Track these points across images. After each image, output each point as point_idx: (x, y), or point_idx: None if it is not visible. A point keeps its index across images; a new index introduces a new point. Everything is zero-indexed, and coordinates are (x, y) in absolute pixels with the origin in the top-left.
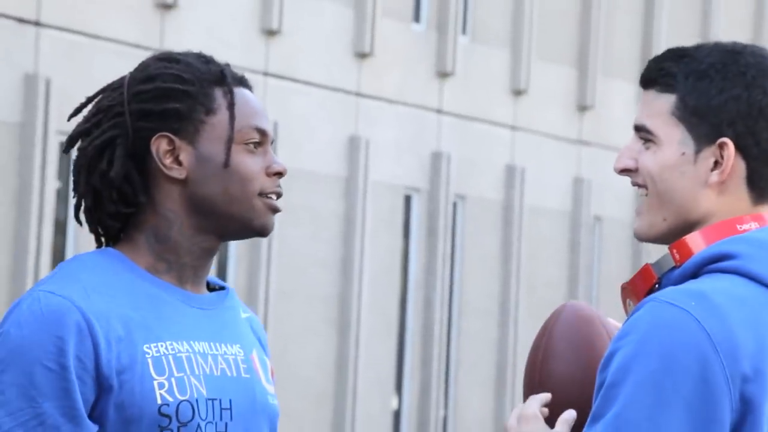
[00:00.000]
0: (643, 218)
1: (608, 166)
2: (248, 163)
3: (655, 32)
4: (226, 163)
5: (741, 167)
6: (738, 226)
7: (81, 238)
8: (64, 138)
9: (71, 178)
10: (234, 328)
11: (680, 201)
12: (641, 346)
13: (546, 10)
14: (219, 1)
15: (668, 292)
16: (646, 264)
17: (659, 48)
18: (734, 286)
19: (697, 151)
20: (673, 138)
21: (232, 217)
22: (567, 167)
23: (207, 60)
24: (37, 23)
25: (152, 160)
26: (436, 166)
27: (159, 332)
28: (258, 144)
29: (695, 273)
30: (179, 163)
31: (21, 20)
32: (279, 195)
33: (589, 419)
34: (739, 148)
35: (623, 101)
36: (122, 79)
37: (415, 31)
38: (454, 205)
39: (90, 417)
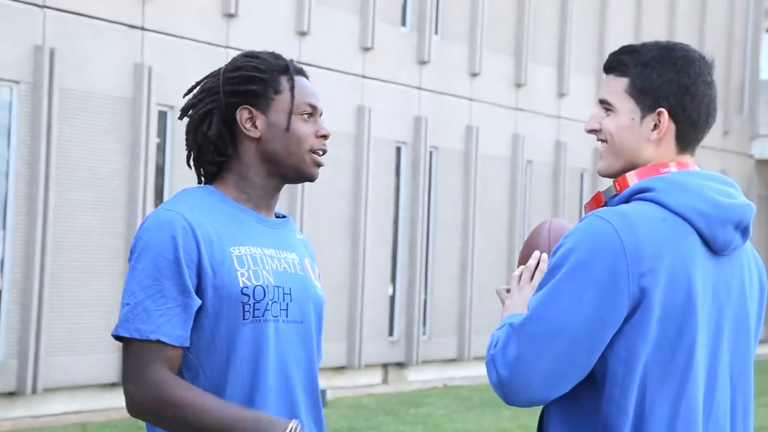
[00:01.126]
0: (604, 162)
1: (536, 125)
2: (303, 128)
3: (568, 30)
4: (287, 128)
5: (672, 128)
6: (661, 169)
7: (174, 178)
8: (162, 108)
9: (168, 138)
10: (292, 242)
11: (629, 151)
12: (577, 243)
13: (494, 7)
14: (266, 10)
15: (603, 210)
16: (598, 191)
17: (572, 40)
18: (648, 209)
19: (642, 117)
20: (626, 108)
21: (290, 167)
22: (508, 127)
23: (277, 56)
24: (142, 28)
25: (237, 125)
26: (417, 127)
27: (240, 239)
28: (310, 115)
29: (627, 199)
30: (255, 127)
31: (131, 26)
32: (324, 152)
33: (536, 288)
34: (671, 115)
35: (546, 80)
36: (219, 69)
37: (402, 32)
38: (430, 154)
39: (195, 293)
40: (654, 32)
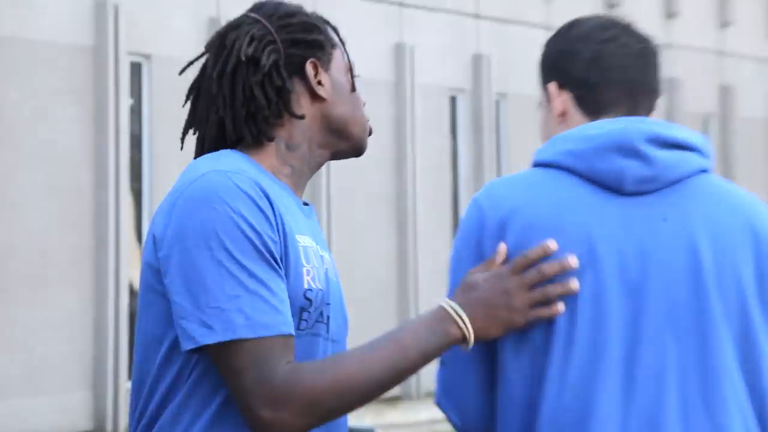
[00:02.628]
0: None
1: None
2: (359, 90)
3: None
4: (353, 88)
5: (568, 98)
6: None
7: (156, 150)
8: (134, 59)
9: (145, 97)
10: (323, 237)
11: (547, 138)
12: (456, 237)
13: None
14: None
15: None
16: None
17: None
18: (521, 173)
19: (547, 101)
20: (543, 100)
21: (351, 136)
22: None
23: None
24: None
25: (297, 81)
26: (477, 67)
27: (300, 226)
28: None
29: None
30: (322, 85)
31: None
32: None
33: None
34: (559, 86)
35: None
36: (247, 17)
37: None
38: (497, 103)
39: None
40: None
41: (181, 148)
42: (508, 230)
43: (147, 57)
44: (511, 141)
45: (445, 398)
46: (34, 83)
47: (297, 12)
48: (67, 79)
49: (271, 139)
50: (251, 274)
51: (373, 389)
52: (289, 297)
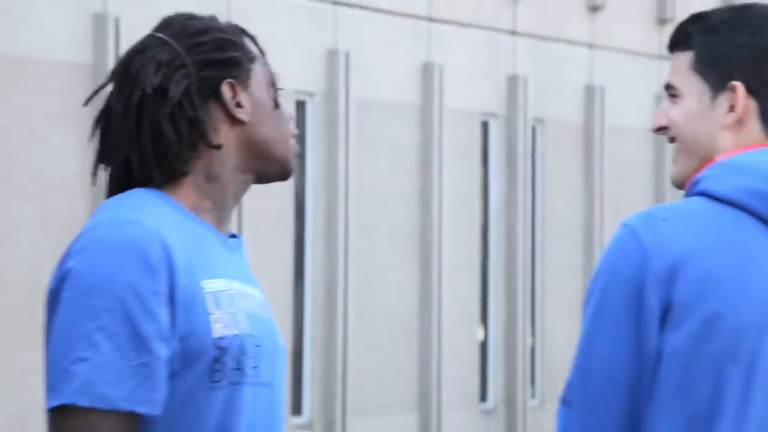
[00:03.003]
0: (676, 166)
1: None
2: (284, 104)
3: None
4: (276, 105)
5: (753, 106)
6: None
7: None
8: None
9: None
10: (250, 273)
11: (704, 144)
12: (599, 266)
13: None
14: None
15: (630, 216)
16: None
17: None
18: (687, 203)
19: (713, 98)
20: (693, 89)
21: (276, 158)
22: (648, 84)
23: (212, 17)
24: None
25: (214, 106)
26: (512, 89)
27: (212, 268)
28: None
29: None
30: (241, 106)
31: None
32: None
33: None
34: (749, 89)
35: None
36: (154, 38)
37: None
38: (533, 129)
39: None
40: None
41: (94, 183)
42: (679, 280)
43: None
44: (547, 171)
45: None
46: (26, 104)
47: (209, 28)
48: (62, 100)
49: (185, 174)
50: (111, 337)
51: None
52: (196, 347)
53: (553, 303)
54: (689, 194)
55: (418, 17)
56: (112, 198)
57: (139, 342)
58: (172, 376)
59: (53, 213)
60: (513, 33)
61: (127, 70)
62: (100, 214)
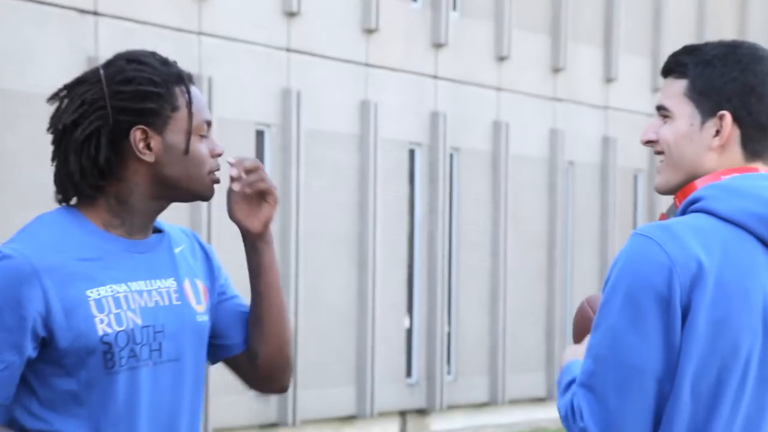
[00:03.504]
0: (662, 176)
1: (579, 118)
2: (201, 149)
3: (616, 1)
4: (186, 151)
5: (736, 134)
6: (722, 176)
7: None
8: None
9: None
10: (167, 264)
11: (689, 162)
12: (623, 269)
13: None
14: None
15: (644, 227)
16: (662, 213)
17: (621, 15)
18: (695, 219)
19: (703, 122)
20: (685, 113)
21: (188, 191)
22: (544, 120)
23: (164, 61)
24: (95, 12)
25: (127, 143)
26: (434, 123)
27: (100, 278)
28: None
29: (683, 213)
30: (150, 149)
31: (82, 11)
32: (218, 169)
33: (593, 328)
34: (735, 118)
35: (590, 63)
36: (97, 74)
37: (413, 9)
38: (451, 156)
39: (47, 348)
40: (723, 0)
41: (56, 199)
42: (699, 287)
43: None
44: (462, 191)
45: (604, 421)
46: (30, 131)
47: (136, 77)
48: None
49: (95, 198)
50: None
51: None
52: (85, 345)
53: (466, 298)
54: (688, 210)
55: (357, 63)
56: (33, 220)
57: (6, 346)
58: (76, 369)
59: None
60: (435, 77)
61: (68, 94)
62: (11, 238)
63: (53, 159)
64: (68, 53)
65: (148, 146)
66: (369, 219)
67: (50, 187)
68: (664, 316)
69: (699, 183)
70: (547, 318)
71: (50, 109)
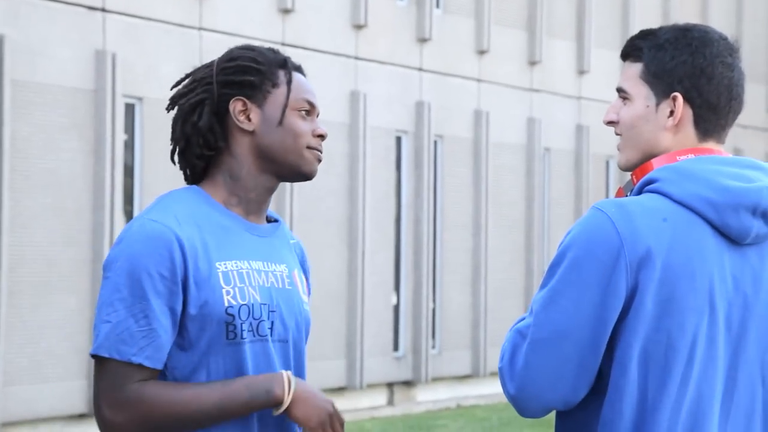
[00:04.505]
0: (622, 155)
1: (554, 107)
2: (299, 123)
3: (587, 0)
4: (280, 122)
5: (689, 114)
6: (677, 157)
7: (145, 179)
8: (128, 100)
9: (137, 134)
10: (282, 251)
11: (646, 141)
12: (574, 238)
13: None
14: None
15: (603, 202)
16: (620, 187)
17: (592, 12)
18: (650, 200)
19: (657, 104)
20: (641, 94)
21: (286, 163)
22: (521, 110)
23: (275, 51)
24: (103, 9)
25: (230, 118)
26: (419, 113)
27: (227, 253)
28: (308, 112)
29: (639, 191)
30: (249, 120)
31: (90, 7)
32: (320, 151)
33: (540, 286)
34: (686, 99)
35: (563, 56)
36: (213, 61)
37: (399, 6)
38: (435, 143)
39: (181, 313)
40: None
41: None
42: (648, 268)
43: (140, 99)
44: (445, 176)
45: (520, 371)
46: (43, 120)
47: (241, 56)
48: (71, 117)
49: (209, 175)
50: (128, 307)
51: (200, 421)
52: (210, 314)
53: (449, 277)
54: (643, 189)
55: (347, 56)
56: (160, 196)
57: (149, 313)
58: (198, 336)
59: (62, 204)
60: (420, 69)
61: (182, 80)
62: (140, 214)
63: (171, 136)
64: (77, 47)
65: (248, 117)
66: (359, 202)
67: (60, 173)
68: (601, 291)
69: (656, 162)
70: (526, 295)
71: (60, 99)
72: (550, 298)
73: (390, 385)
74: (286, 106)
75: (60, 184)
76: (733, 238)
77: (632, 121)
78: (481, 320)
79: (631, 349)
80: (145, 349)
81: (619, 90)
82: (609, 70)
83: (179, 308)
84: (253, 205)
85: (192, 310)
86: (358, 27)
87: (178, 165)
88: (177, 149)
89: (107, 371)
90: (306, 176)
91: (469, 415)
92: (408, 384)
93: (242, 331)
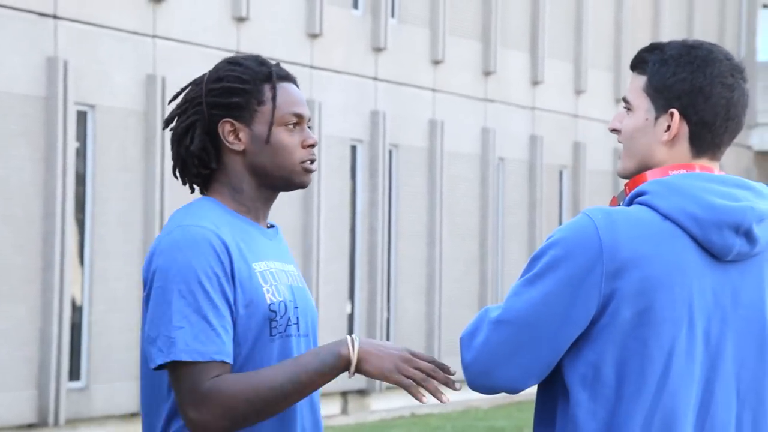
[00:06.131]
0: (621, 163)
1: (508, 117)
2: (286, 139)
3: (541, 10)
4: (267, 140)
5: (685, 130)
6: (669, 172)
7: (97, 187)
8: (81, 108)
9: (89, 142)
10: (287, 253)
11: (642, 152)
12: (559, 238)
13: None
14: None
15: (594, 209)
16: (614, 196)
17: (545, 23)
18: (638, 211)
19: (656, 117)
20: (642, 107)
21: (279, 178)
22: (476, 120)
23: (262, 62)
24: (54, 16)
25: (219, 137)
26: (374, 122)
27: (257, 254)
28: (295, 124)
29: (630, 202)
30: (239, 140)
31: (41, 14)
32: (312, 160)
33: (521, 273)
34: (683, 116)
35: (517, 66)
36: (202, 76)
37: (354, 15)
38: (390, 152)
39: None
40: (638, 10)
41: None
42: (624, 278)
43: (92, 107)
44: (400, 185)
45: (477, 345)
46: None
47: (227, 76)
48: (21, 124)
49: (214, 190)
50: (197, 310)
51: (278, 399)
52: (256, 312)
53: (404, 286)
54: (635, 201)
55: (302, 65)
56: (179, 209)
57: (216, 311)
58: (245, 334)
59: (12, 211)
60: (375, 79)
61: (176, 98)
62: (171, 222)
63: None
64: (28, 54)
65: (237, 137)
66: (314, 211)
67: (10, 181)
68: (572, 292)
69: (649, 175)
70: (480, 304)
71: (10, 106)
72: (523, 287)
73: (344, 394)
74: (271, 123)
75: (10, 191)
76: (715, 254)
77: (632, 132)
78: (436, 329)
79: (607, 353)
80: (222, 347)
81: (624, 100)
82: (562, 81)
83: (234, 305)
84: (261, 212)
85: (239, 308)
86: (314, 36)
87: (180, 180)
88: (177, 168)
89: (187, 374)
90: (300, 187)
91: (423, 424)
92: (362, 393)
93: (281, 326)
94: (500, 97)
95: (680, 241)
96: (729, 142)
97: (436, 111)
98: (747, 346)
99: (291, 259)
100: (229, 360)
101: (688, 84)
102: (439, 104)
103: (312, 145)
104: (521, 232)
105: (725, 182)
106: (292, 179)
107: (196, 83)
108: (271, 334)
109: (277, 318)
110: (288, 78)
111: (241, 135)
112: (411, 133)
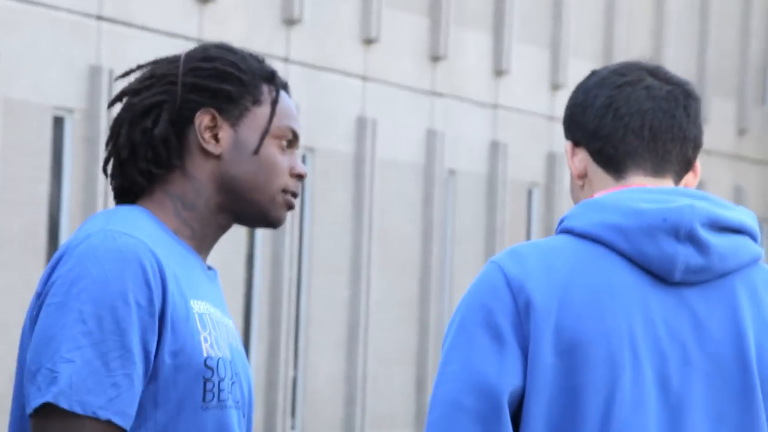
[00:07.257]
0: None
1: (462, 117)
2: (278, 157)
3: None
4: (257, 151)
5: (585, 155)
6: (594, 195)
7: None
8: None
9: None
10: (225, 305)
11: (574, 198)
12: (464, 297)
13: None
14: None
15: (499, 253)
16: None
17: None
18: (550, 240)
19: (572, 155)
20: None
21: (252, 203)
22: (420, 119)
23: (260, 60)
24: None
25: (192, 130)
26: None
27: (198, 290)
28: (289, 144)
29: None
30: (217, 140)
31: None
32: (296, 195)
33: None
34: (575, 143)
35: (477, 51)
36: (179, 54)
37: None
38: (303, 158)
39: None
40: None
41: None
42: (539, 313)
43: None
44: (316, 201)
45: None
46: None
47: (220, 57)
48: None
49: (157, 198)
50: (97, 344)
51: None
52: (187, 366)
53: (317, 336)
54: (556, 233)
55: (187, 38)
56: (102, 211)
57: (123, 353)
58: (168, 394)
59: None
60: (285, 60)
61: (134, 72)
62: (90, 224)
63: (107, 140)
64: None
65: (215, 136)
66: None
67: None
68: (493, 343)
69: None
70: (419, 362)
71: None
72: (441, 368)
73: None
74: (266, 131)
75: None
76: (658, 274)
77: (570, 193)
78: (358, 395)
79: (535, 419)
80: (115, 402)
81: None
82: (534, 71)
83: (153, 351)
84: (207, 242)
85: (164, 356)
86: (204, 0)
87: (110, 177)
88: (115, 158)
89: (56, 427)
90: (271, 224)
91: None
92: None
93: (221, 391)
94: (452, 90)
95: (605, 260)
96: (663, 147)
97: (367, 105)
98: (723, 396)
99: (228, 313)
100: (122, 423)
101: (569, 107)
102: (371, 97)
103: (301, 176)
104: (476, 266)
105: (659, 191)
106: (269, 210)
107: (169, 60)
108: (204, 400)
109: (214, 379)
110: (285, 88)
111: (221, 135)
112: (332, 133)
